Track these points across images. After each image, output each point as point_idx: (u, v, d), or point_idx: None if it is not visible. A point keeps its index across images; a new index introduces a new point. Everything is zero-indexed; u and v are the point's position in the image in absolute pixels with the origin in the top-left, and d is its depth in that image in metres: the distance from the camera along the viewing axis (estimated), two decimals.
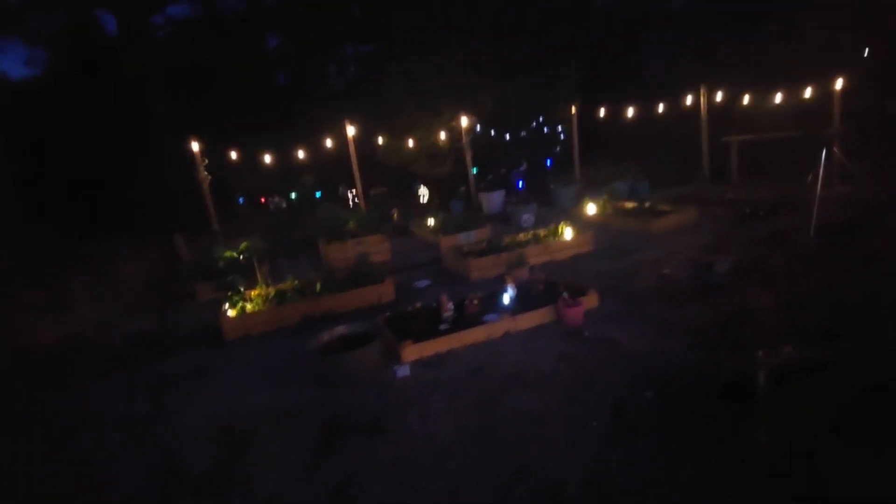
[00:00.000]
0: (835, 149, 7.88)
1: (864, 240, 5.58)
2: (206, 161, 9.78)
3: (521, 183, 13.55)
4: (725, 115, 11.89)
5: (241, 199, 14.21)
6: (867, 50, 14.20)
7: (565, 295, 4.58)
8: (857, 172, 8.16)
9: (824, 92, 9.76)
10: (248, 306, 5.61)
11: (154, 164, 13.19)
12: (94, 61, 14.78)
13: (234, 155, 10.66)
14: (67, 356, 5.50)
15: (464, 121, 11.59)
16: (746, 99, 11.69)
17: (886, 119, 11.66)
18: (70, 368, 5.08)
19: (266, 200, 13.93)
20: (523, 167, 13.95)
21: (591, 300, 4.80)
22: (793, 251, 5.69)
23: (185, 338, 5.60)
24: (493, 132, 14.10)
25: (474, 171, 12.29)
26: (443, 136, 12.30)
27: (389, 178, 13.31)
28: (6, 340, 6.19)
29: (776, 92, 11.05)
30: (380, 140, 12.23)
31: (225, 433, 3.45)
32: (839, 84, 9.38)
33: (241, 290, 5.81)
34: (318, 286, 5.91)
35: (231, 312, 5.50)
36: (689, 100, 11.93)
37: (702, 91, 11.67)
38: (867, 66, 13.25)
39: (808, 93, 10.38)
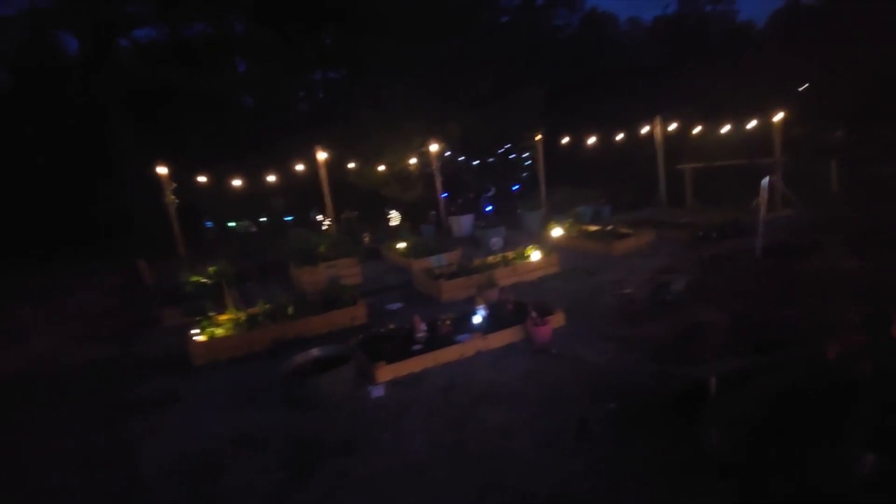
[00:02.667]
0: (774, 177, 8.53)
1: (803, 261, 6.07)
2: (175, 185, 9.66)
3: (489, 207, 13.91)
4: (679, 144, 12.69)
5: (208, 224, 13.98)
6: (805, 85, 15.54)
7: (533, 314, 4.78)
8: (796, 198, 8.85)
9: (766, 123, 10.60)
10: (218, 331, 5.56)
11: (116, 188, 12.88)
12: (54, 81, 14.44)
13: (201, 178, 10.57)
14: (22, 387, 5.25)
15: (433, 147, 11.91)
16: (697, 129, 12.56)
17: (821, 148, 12.73)
18: (26, 400, 4.85)
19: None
20: (491, 192, 14.36)
21: (557, 319, 5.02)
22: (740, 271, 6.13)
23: (150, 365, 5.46)
24: (462, 158, 14.51)
25: (444, 195, 12.57)
26: (413, 161, 12.57)
27: (360, 201, 13.43)
28: None
29: (723, 123, 11.93)
30: (351, 164, 12.39)
31: (195, 461, 3.39)
32: (778, 116, 10.20)
33: (211, 314, 5.75)
34: (290, 309, 5.92)
35: (200, 337, 5.42)
36: (645, 129, 12.68)
37: (656, 121, 12.42)
38: (804, 99, 14.50)
39: (751, 124, 11.27)
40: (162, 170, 9.48)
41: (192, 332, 5.50)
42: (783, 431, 2.29)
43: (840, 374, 2.32)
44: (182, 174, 10.10)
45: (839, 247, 6.37)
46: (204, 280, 7.64)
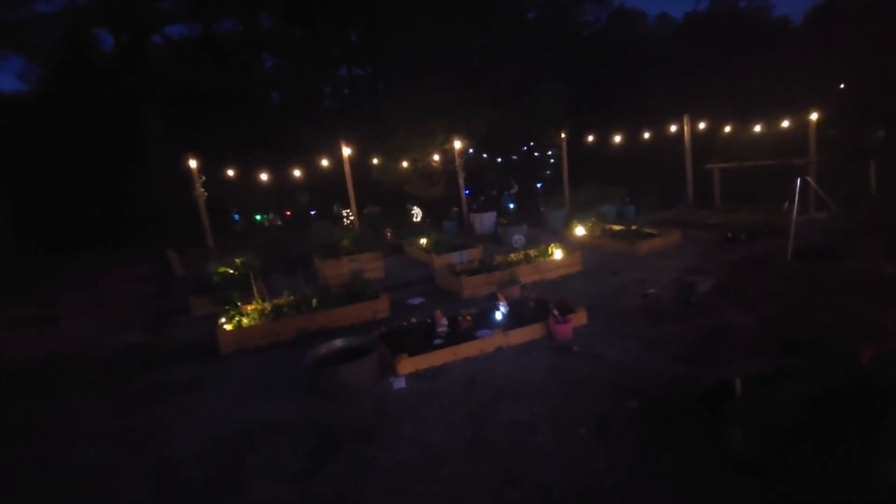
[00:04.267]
0: (809, 178, 8.28)
1: (837, 264, 5.88)
2: (204, 178, 9.93)
3: (512, 205, 13.87)
4: (708, 144, 12.41)
5: (236, 216, 14.32)
6: (842, 84, 14.97)
7: (555, 312, 4.77)
8: (830, 200, 8.57)
9: (800, 123, 10.27)
10: (245, 320, 5.71)
11: (147, 180, 13.28)
12: (90, 77, 14.94)
13: (230, 172, 10.84)
14: (59, 369, 5.48)
15: (457, 143, 11.92)
16: (728, 128, 12.25)
17: (859, 149, 12.25)
18: (62, 381, 5.07)
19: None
20: (514, 189, 14.30)
21: (579, 317, 4.99)
22: (770, 273, 5.97)
23: (180, 352, 5.64)
24: (485, 155, 14.49)
25: (466, 192, 12.59)
26: (436, 157, 12.62)
27: (383, 197, 13.55)
28: None
29: (755, 122, 11.61)
30: (374, 160, 12.51)
31: (222, 444, 3.51)
32: (814, 116, 9.88)
33: (238, 304, 5.90)
34: (314, 301, 6.03)
35: (227, 326, 5.58)
36: (673, 128, 12.44)
37: (685, 120, 12.17)
38: (841, 98, 13.96)
39: (785, 123, 10.94)
40: (192, 163, 9.76)
41: (220, 321, 5.66)
42: (810, 434, 2.24)
43: (871, 378, 2.26)
44: (211, 168, 10.37)
45: (874, 250, 6.15)
46: (231, 271, 7.82)
